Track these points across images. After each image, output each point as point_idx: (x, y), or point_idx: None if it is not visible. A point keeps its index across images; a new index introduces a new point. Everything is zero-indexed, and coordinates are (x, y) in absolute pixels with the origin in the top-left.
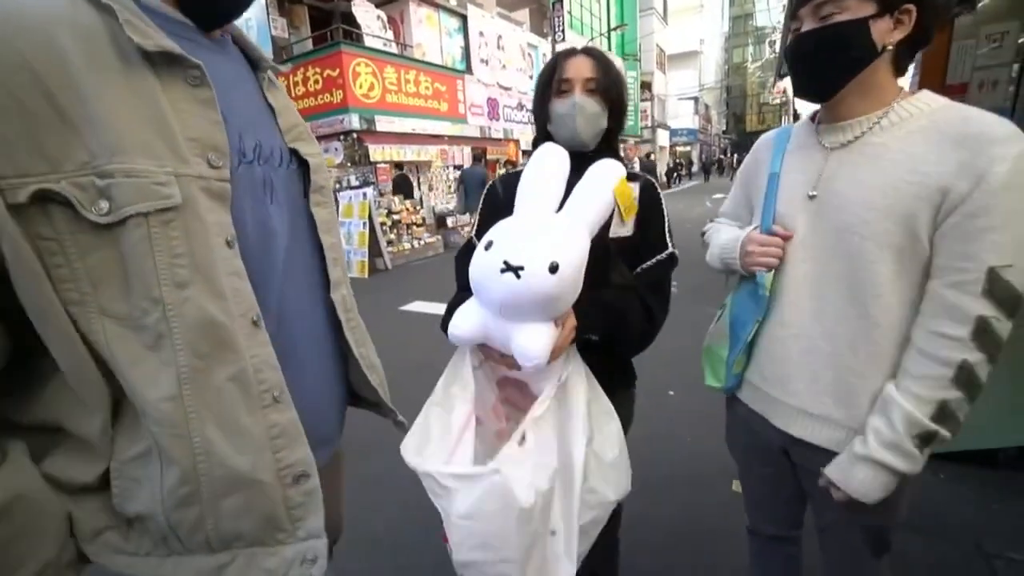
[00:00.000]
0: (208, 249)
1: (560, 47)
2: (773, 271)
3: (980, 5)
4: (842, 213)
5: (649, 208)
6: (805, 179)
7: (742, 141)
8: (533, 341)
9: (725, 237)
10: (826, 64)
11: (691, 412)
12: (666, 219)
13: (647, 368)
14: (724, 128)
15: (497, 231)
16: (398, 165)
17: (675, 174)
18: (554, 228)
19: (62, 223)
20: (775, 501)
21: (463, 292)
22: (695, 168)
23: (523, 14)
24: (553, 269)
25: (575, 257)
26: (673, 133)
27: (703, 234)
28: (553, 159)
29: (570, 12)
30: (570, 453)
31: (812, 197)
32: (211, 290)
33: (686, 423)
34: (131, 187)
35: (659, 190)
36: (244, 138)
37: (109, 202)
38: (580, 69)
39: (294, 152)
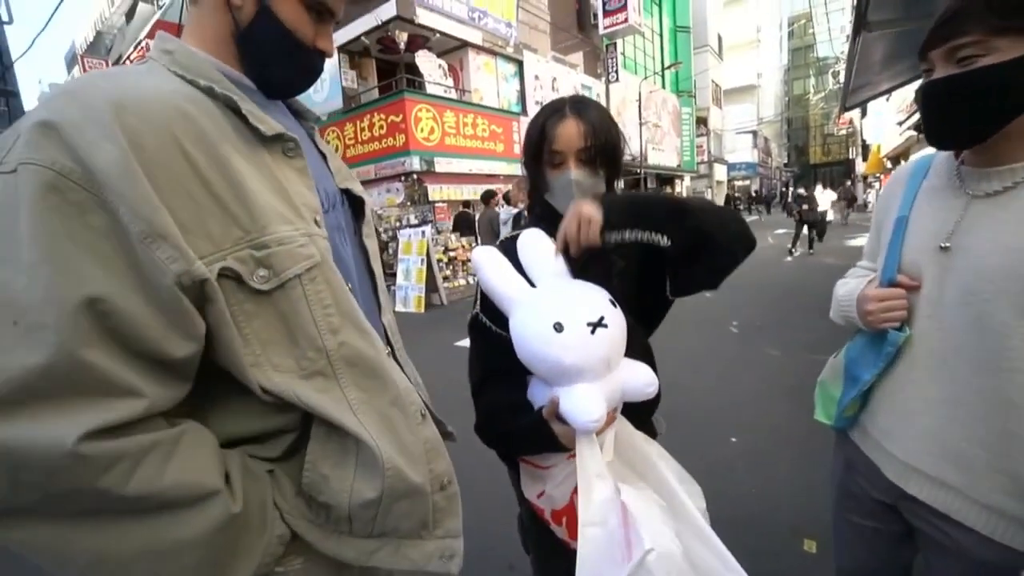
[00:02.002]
0: (345, 295)
1: (614, 87)
2: (909, 330)
3: None
4: (974, 275)
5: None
6: (937, 228)
7: (805, 173)
8: (644, 372)
9: (843, 291)
10: (972, 113)
11: (755, 462)
12: None
13: (704, 411)
14: (786, 161)
15: (549, 310)
16: (466, 203)
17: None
18: (573, 283)
19: (231, 295)
20: (869, 555)
21: (491, 383)
22: (754, 204)
23: (577, 57)
24: (614, 303)
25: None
26: (731, 167)
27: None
28: (542, 241)
29: (623, 53)
30: (661, 480)
31: (944, 249)
32: (358, 330)
33: (749, 474)
34: (285, 254)
35: None
36: (319, 190)
37: (268, 270)
38: (571, 139)
39: (345, 191)
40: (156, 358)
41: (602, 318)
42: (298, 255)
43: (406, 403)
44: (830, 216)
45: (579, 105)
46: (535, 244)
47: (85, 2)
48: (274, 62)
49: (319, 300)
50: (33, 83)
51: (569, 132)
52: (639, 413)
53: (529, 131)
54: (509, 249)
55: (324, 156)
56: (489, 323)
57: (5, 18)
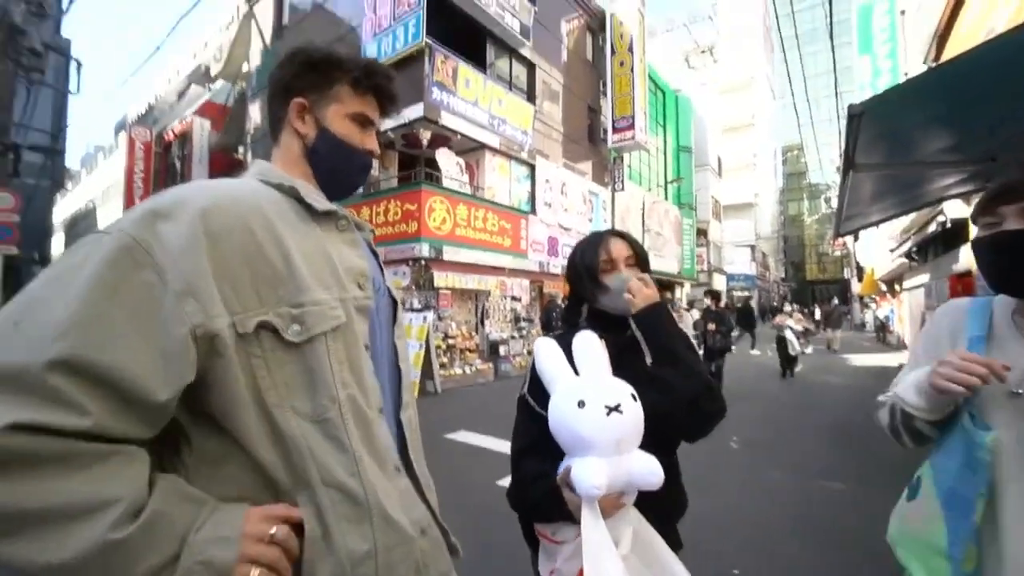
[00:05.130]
0: (358, 354)
1: (619, 196)
2: (996, 430)
3: None
4: None
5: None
6: (1007, 373)
7: (802, 289)
8: (650, 461)
9: (911, 375)
10: None
11: None
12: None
13: (706, 536)
14: (783, 276)
15: (578, 391)
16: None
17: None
18: (607, 377)
19: (267, 343)
20: None
21: (528, 455)
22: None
23: (587, 165)
24: (635, 397)
25: (633, 389)
26: (730, 278)
27: (880, 404)
28: (593, 343)
29: (629, 165)
30: None
31: (1017, 395)
32: (361, 387)
33: None
34: (317, 314)
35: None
36: (372, 278)
37: (301, 325)
38: (620, 250)
39: (387, 290)
40: (132, 396)
41: (619, 405)
42: (327, 316)
43: (385, 457)
44: (796, 347)
45: (618, 232)
46: (586, 343)
47: (146, 82)
48: (335, 165)
49: (337, 356)
50: (81, 144)
51: (618, 245)
52: (663, 517)
53: (582, 251)
54: (563, 343)
55: (376, 256)
56: (533, 403)
57: (73, 89)
